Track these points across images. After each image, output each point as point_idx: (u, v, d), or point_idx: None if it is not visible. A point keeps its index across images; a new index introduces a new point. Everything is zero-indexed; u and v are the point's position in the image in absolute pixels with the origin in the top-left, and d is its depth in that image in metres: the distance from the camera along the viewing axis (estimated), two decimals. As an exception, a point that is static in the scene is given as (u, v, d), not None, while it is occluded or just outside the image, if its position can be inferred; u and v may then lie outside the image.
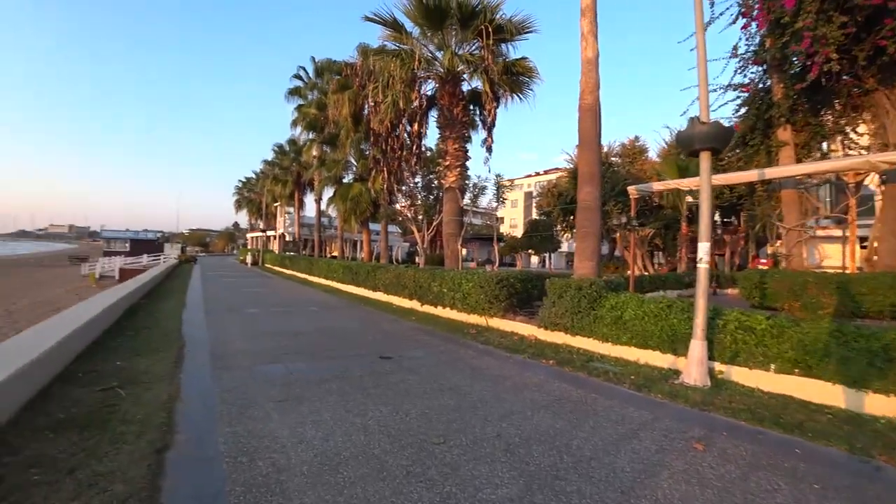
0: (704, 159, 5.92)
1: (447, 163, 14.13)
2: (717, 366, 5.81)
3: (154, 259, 39.36)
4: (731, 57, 11.76)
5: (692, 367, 5.48)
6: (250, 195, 59.11)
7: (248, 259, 41.31)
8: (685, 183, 11.57)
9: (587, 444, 3.78)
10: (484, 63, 12.18)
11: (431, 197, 27.47)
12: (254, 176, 56.98)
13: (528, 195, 65.39)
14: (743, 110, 12.55)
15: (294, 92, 30.98)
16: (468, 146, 14.49)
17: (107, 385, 5.11)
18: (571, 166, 30.09)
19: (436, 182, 25.58)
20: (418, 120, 13.27)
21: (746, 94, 12.33)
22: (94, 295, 12.11)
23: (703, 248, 5.81)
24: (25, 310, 19.87)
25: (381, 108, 13.30)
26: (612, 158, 31.51)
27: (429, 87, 14.40)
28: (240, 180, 63.53)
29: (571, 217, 30.37)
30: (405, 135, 14.10)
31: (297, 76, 31.19)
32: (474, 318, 10.11)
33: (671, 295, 11.80)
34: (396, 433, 3.90)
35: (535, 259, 52.05)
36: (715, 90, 11.90)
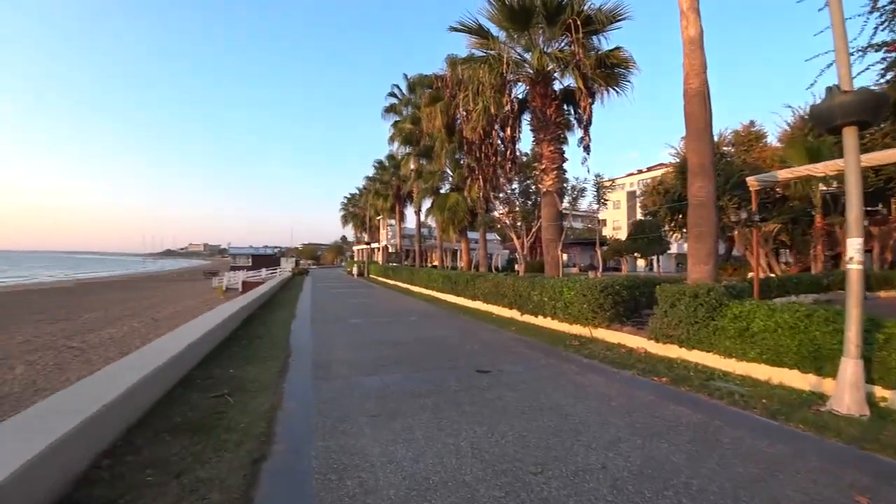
0: (850, 136, 4.85)
1: (543, 166, 13.65)
2: (878, 391, 4.81)
3: (271, 272, 42.89)
4: (870, 12, 10.01)
5: (844, 391, 4.55)
6: (355, 210, 62.30)
7: (354, 270, 43.47)
8: (819, 168, 9.99)
9: (712, 486, 3.21)
10: (575, 58, 11.59)
11: (530, 202, 26.96)
12: (357, 192, 59.99)
13: (631, 195, 61.79)
14: (890, 75, 10.67)
15: (390, 109, 32.18)
16: (564, 148, 13.90)
17: (219, 392, 5.50)
18: (678, 160, 27.94)
19: (533, 187, 25.10)
20: (511, 124, 12.97)
21: (895, 54, 10.45)
22: (220, 305, 13.31)
23: (855, 245, 4.77)
24: (167, 318, 22.52)
25: (472, 116, 13.21)
26: (725, 148, 28.71)
27: (519, 91, 14.08)
28: (345, 196, 67.34)
29: (680, 216, 28.18)
30: (498, 141, 13.87)
31: (392, 94, 32.37)
32: (577, 329, 9.56)
33: (805, 301, 10.29)
34: (490, 458, 3.65)
35: (641, 263, 48.99)
36: (851, 53, 10.22)
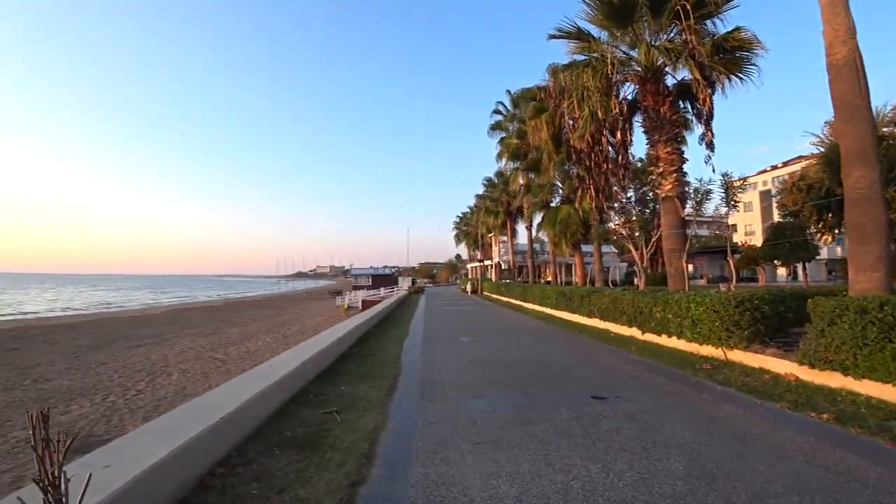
0: None
1: (660, 170, 12.51)
2: None
3: (389, 291, 44.72)
4: None
5: None
6: (467, 228, 63.22)
7: (468, 288, 43.81)
8: None
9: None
10: (688, 48, 10.49)
11: (647, 211, 25.14)
12: (468, 210, 60.89)
13: (765, 195, 54.60)
14: None
15: (495, 126, 32.26)
16: (682, 148, 12.68)
17: (328, 409, 5.64)
18: (823, 149, 24.12)
19: (651, 194, 23.36)
20: (621, 128, 12.09)
21: None
22: (340, 323, 14.01)
23: None
24: (295, 334, 24.27)
25: (579, 124, 12.58)
26: (885, 129, 24.25)
27: (628, 91, 13.15)
28: (457, 216, 68.76)
29: (830, 215, 24.38)
30: (609, 147, 13.02)
31: (497, 111, 32.45)
32: (707, 350, 8.46)
33: None
34: (605, 504, 3.16)
35: (781, 272, 43.03)
36: None
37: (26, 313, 44.13)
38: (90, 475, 2.03)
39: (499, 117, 32.15)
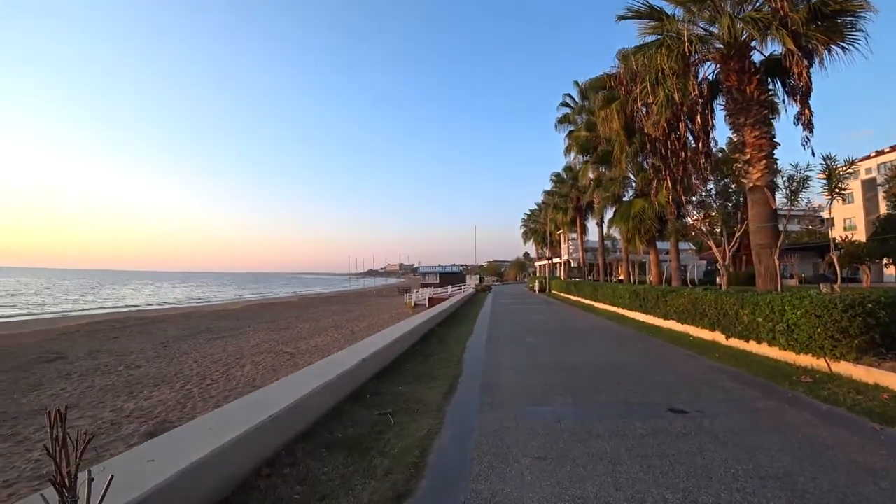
0: None
1: (747, 156, 11.33)
2: None
3: (456, 289, 44.63)
4: None
5: None
6: (535, 226, 61.90)
7: (536, 286, 42.79)
8: None
9: None
10: (778, 16, 9.30)
11: (730, 204, 23.17)
12: (536, 207, 59.65)
13: (869, 184, 48.53)
14: None
15: (563, 120, 31.13)
16: (772, 132, 11.37)
17: (383, 410, 5.44)
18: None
19: (733, 185, 21.52)
20: (700, 111, 10.96)
21: None
22: (406, 320, 13.93)
23: None
24: (363, 330, 24.69)
25: (653, 110, 11.62)
26: None
27: (708, 71, 11.98)
28: (525, 213, 67.54)
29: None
30: (687, 134, 11.89)
31: (564, 104, 31.33)
32: (806, 360, 7.43)
33: None
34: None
35: (890, 271, 38.15)
36: None
37: (129, 307, 48.40)
38: (112, 477, 1.96)
39: (566, 110, 31.04)
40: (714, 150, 12.36)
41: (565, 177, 37.39)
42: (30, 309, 43.67)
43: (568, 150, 29.86)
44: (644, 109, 12.46)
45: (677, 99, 10.90)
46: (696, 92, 10.81)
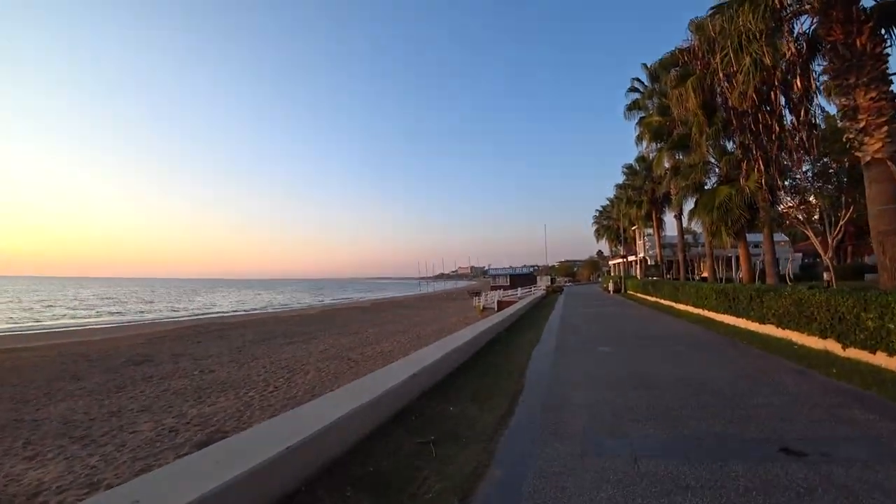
0: None
1: (861, 123, 9.39)
2: None
3: (526, 291, 43.15)
4: None
5: None
6: (608, 222, 58.99)
7: (611, 286, 40.39)
8: None
9: None
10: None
11: (830, 187, 20.23)
12: (608, 202, 56.73)
13: None
14: None
15: (632, 106, 28.98)
16: (892, 92, 9.35)
17: (425, 438, 4.69)
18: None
19: (834, 165, 18.67)
20: (799, 73, 9.11)
21: None
22: (470, 326, 13.09)
23: None
24: (430, 335, 24.11)
25: (738, 79, 9.91)
26: None
27: (803, 26, 10.07)
28: (597, 210, 64.59)
29: None
30: (781, 103, 10.00)
31: (633, 89, 29.13)
32: (970, 380, 5.69)
33: None
34: None
35: None
36: None
37: (214, 313, 51.45)
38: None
39: (635, 95, 28.86)
40: (815, 119, 10.30)
41: (638, 168, 34.94)
42: (130, 316, 47.56)
43: (640, 139, 27.64)
44: (726, 82, 10.68)
45: (768, 62, 9.18)
46: (794, 50, 9.01)
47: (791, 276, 26.56)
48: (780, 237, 38.11)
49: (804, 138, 9.76)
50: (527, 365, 8.38)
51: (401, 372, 6.01)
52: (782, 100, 9.86)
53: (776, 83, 9.60)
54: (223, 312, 52.32)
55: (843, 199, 18.70)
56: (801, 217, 16.16)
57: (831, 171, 23.54)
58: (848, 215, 16.81)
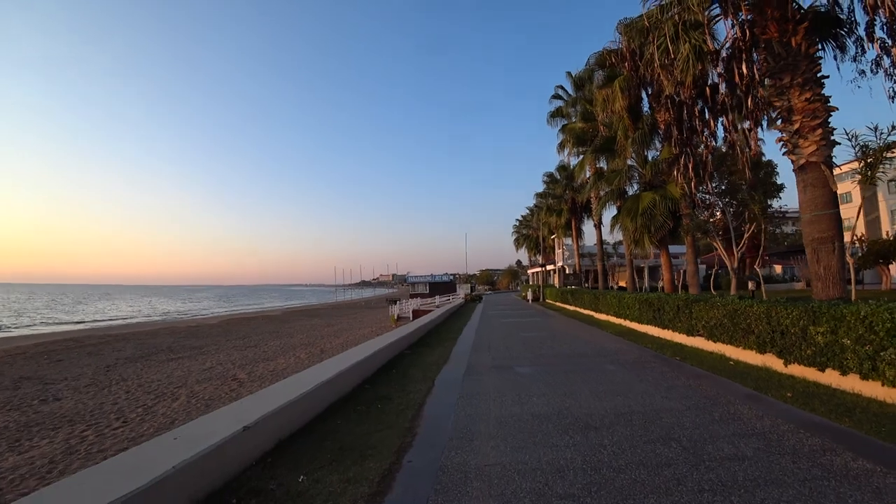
0: None
1: (796, 125, 8.81)
2: None
3: (445, 299, 41.86)
4: None
5: None
6: (527, 232, 59.42)
7: (529, 295, 40.11)
8: None
9: None
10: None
11: (735, 202, 20.70)
12: (528, 212, 57.19)
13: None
14: None
15: (556, 114, 28.62)
16: (826, 95, 8.86)
17: None
18: None
19: (742, 183, 18.97)
20: (745, 57, 8.30)
21: None
22: (376, 338, 11.22)
23: None
24: (335, 348, 21.88)
25: (677, 67, 9.02)
26: None
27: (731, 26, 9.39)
28: (516, 219, 65.09)
29: None
30: (723, 91, 9.18)
31: (557, 96, 28.81)
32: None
33: None
34: None
35: None
36: None
37: (102, 322, 45.39)
38: None
39: (559, 103, 28.52)
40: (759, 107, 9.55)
41: (559, 177, 34.87)
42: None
43: (562, 147, 27.25)
44: (660, 73, 9.77)
45: (709, 47, 8.32)
46: (738, 34, 8.19)
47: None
48: (682, 249, 39.76)
49: (747, 130, 9.05)
50: (426, 398, 6.56)
51: (244, 417, 4.14)
52: (723, 87, 9.06)
53: (719, 69, 8.82)
54: (109, 322, 46.36)
55: (746, 214, 19.37)
56: (711, 229, 16.15)
57: (741, 184, 24.31)
58: (752, 229, 17.47)
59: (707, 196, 18.61)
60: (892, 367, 5.52)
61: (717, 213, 19.89)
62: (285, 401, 4.74)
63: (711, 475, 3.71)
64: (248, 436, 3.92)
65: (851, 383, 6.19)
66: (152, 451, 3.39)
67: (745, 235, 17.49)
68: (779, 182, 25.89)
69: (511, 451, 4.33)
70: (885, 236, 32.10)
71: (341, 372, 6.46)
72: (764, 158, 25.40)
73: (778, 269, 46.74)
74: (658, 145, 16.22)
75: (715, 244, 17.35)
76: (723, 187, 17.92)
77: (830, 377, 6.53)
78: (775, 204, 26.85)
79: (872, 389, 5.87)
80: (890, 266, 28.39)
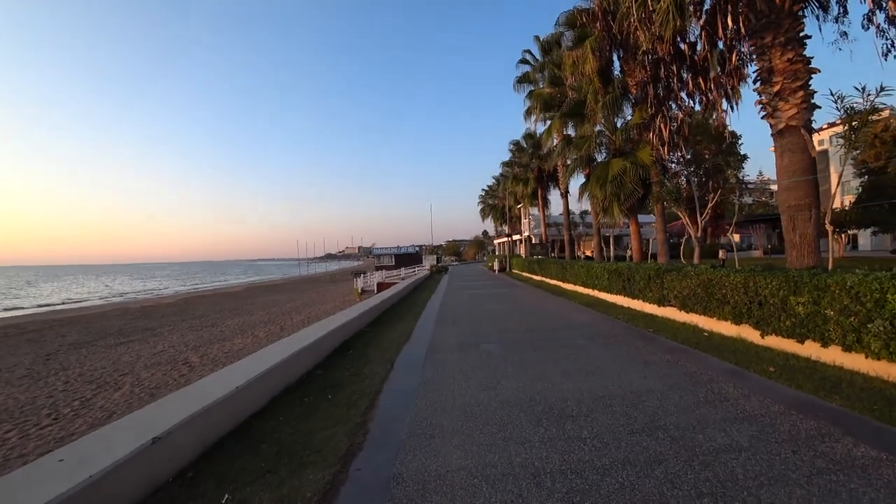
0: None
1: (776, 87, 8.36)
2: None
3: (410, 271, 41.20)
4: None
5: None
6: (493, 202, 58.85)
7: (496, 266, 39.88)
8: None
9: None
10: None
11: (700, 172, 20.67)
12: (494, 182, 56.53)
13: (820, 156, 46.98)
14: None
15: (523, 79, 27.62)
16: (807, 55, 8.42)
17: None
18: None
19: (706, 153, 18.81)
20: (731, 9, 7.67)
21: None
22: (333, 316, 10.42)
23: None
24: (296, 325, 21.06)
25: (655, 20, 8.36)
26: None
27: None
28: (483, 189, 64.35)
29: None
30: (706, 47, 8.54)
31: (524, 61, 27.75)
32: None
33: None
34: None
35: (862, 241, 36.58)
36: None
37: (48, 306, 42.75)
38: None
39: (526, 68, 27.53)
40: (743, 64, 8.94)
41: (525, 145, 34.20)
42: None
43: (528, 113, 26.42)
44: (637, 23, 9.08)
45: (690, -2, 7.70)
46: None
47: (656, 254, 27.48)
48: (649, 219, 40.14)
49: (729, 88, 8.54)
50: (383, 385, 5.87)
51: (148, 424, 3.42)
52: (705, 43, 8.44)
53: (701, 23, 8.19)
54: (57, 306, 43.76)
55: (711, 184, 19.39)
56: (667, 199, 16.00)
57: (706, 156, 24.39)
58: (716, 198, 17.58)
59: (673, 164, 18.45)
60: (878, 340, 5.20)
61: (683, 183, 19.76)
62: (215, 398, 4.00)
63: (708, 473, 3.22)
64: (159, 449, 3.19)
65: (833, 355, 5.89)
66: (16, 484, 2.61)
67: (710, 205, 17.59)
68: (742, 153, 26.01)
69: (478, 450, 3.73)
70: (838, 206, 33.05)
71: (288, 357, 5.73)
72: (730, 129, 25.52)
73: (736, 237, 48.04)
74: (628, 112, 15.68)
75: (679, 213, 17.29)
76: (688, 157, 17.65)
77: (810, 349, 6.24)
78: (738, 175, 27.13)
79: (855, 362, 5.58)
80: (843, 235, 29.26)
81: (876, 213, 22.86)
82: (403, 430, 4.20)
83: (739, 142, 25.92)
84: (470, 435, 4.04)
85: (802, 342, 6.36)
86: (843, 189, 44.68)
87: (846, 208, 27.27)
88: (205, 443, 3.79)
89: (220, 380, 4.68)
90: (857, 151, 28.98)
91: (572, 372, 6.06)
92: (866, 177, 27.91)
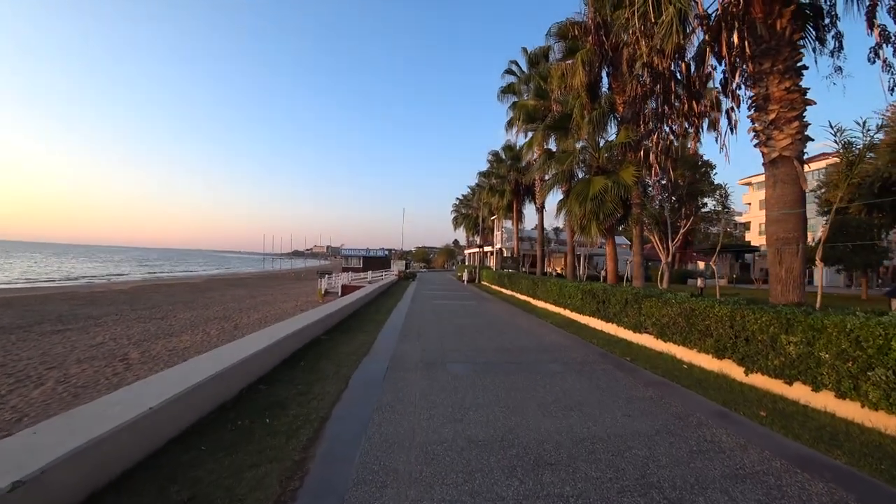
0: None
1: (772, 115, 8.06)
2: None
3: (377, 275, 40.29)
4: None
5: None
6: (467, 211, 58.54)
7: (465, 276, 39.36)
8: None
9: None
10: None
11: (674, 199, 20.75)
12: (469, 192, 56.21)
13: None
14: None
15: (507, 90, 27.39)
16: (803, 85, 8.17)
17: None
18: (883, 136, 19.38)
19: (680, 181, 18.88)
20: (738, 25, 7.27)
21: None
22: (283, 322, 9.50)
23: None
24: (251, 324, 20.09)
25: (657, 33, 7.97)
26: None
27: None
28: (457, 198, 63.89)
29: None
30: (711, 63, 8.13)
31: (509, 71, 27.53)
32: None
33: None
34: None
35: (817, 276, 37.77)
36: None
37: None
38: None
39: (511, 79, 27.29)
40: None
41: (504, 156, 33.87)
42: None
43: (510, 124, 26.12)
44: (635, 37, 8.70)
45: (700, 9, 7.31)
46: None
47: (629, 277, 27.48)
48: (621, 240, 40.34)
49: (729, 110, 8.19)
50: (332, 409, 5.07)
51: (14, 462, 2.67)
52: (713, 61, 8.09)
53: (706, 39, 7.80)
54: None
55: (684, 210, 19.50)
56: (646, 221, 15.91)
57: (681, 183, 24.61)
58: (688, 225, 17.75)
59: (650, 188, 18.40)
60: (878, 389, 4.80)
61: (656, 207, 19.77)
62: (117, 423, 3.20)
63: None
64: (19, 498, 2.39)
65: (824, 401, 5.47)
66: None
67: (682, 231, 17.62)
68: (716, 182, 26.26)
69: (441, 492, 3.06)
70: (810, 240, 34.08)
71: (228, 368, 4.93)
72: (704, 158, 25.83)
73: (701, 265, 48.89)
74: (612, 130, 15.42)
75: (651, 238, 17.22)
76: (663, 182, 17.57)
77: (799, 392, 5.81)
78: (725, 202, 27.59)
79: (849, 410, 5.17)
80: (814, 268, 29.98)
81: (841, 251, 23.31)
82: (350, 475, 3.44)
83: (714, 171, 26.15)
84: (430, 486, 3.32)
85: (791, 384, 5.94)
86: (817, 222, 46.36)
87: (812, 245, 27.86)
88: (96, 483, 2.98)
89: (132, 396, 3.86)
90: (823, 190, 29.79)
91: (549, 405, 5.43)
92: (828, 215, 28.68)
